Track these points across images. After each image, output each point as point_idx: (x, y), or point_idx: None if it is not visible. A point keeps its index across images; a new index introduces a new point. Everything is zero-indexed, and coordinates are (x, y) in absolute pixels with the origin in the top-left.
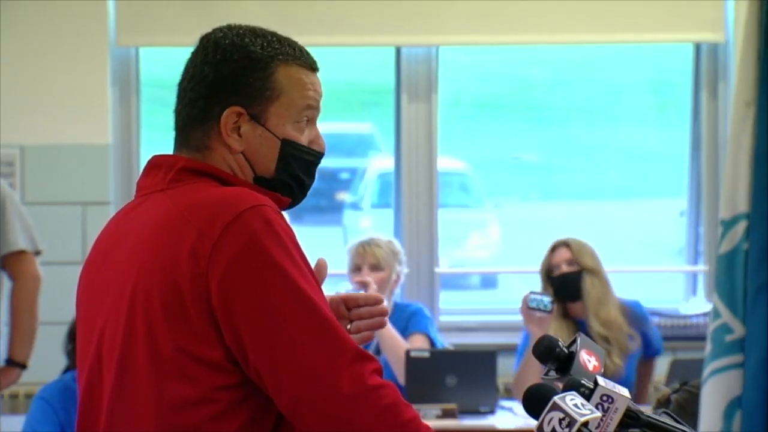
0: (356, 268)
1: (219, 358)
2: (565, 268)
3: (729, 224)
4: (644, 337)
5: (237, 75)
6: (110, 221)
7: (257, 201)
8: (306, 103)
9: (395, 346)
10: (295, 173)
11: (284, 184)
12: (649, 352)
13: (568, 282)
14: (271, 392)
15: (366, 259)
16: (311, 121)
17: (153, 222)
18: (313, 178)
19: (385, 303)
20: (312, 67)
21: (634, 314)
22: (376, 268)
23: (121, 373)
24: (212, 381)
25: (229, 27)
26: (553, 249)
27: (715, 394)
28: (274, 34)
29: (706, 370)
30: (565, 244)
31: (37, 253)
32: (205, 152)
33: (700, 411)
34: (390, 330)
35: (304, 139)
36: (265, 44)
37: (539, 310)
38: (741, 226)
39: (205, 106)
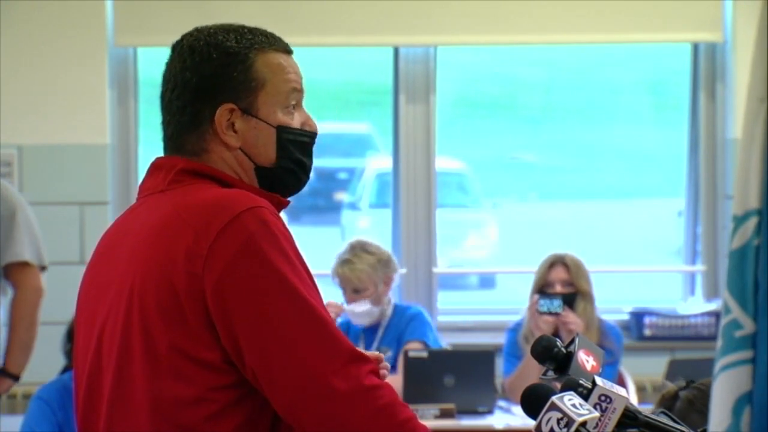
0: (343, 291)
1: (215, 360)
2: (559, 288)
3: (740, 220)
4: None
5: (219, 72)
6: (113, 223)
7: (254, 203)
8: (290, 87)
9: None
10: (296, 157)
11: (287, 170)
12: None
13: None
14: (267, 393)
15: (349, 283)
16: (298, 105)
17: (151, 223)
18: (312, 158)
19: (384, 308)
20: (287, 50)
21: (609, 342)
22: (358, 290)
23: (119, 372)
24: (208, 381)
25: (198, 29)
26: (551, 265)
27: (724, 390)
28: (243, 27)
29: (717, 366)
30: (563, 262)
31: (43, 268)
32: (203, 156)
33: (709, 408)
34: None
35: (296, 123)
36: (238, 37)
37: (549, 313)
38: (752, 222)
39: (194, 111)
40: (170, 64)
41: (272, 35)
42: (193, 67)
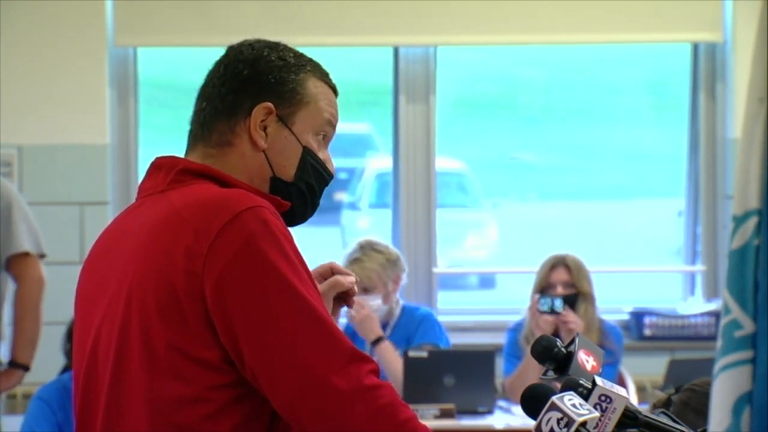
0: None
1: (214, 359)
2: (560, 290)
3: (740, 220)
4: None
5: (272, 72)
6: (111, 223)
7: (255, 202)
8: (328, 119)
9: (393, 368)
10: (311, 183)
11: (299, 192)
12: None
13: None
14: (267, 393)
15: (358, 283)
16: (326, 141)
17: (151, 222)
18: (321, 196)
19: (393, 308)
20: (335, 89)
21: (609, 342)
22: (367, 289)
23: (116, 371)
24: (206, 380)
25: (258, 39)
26: (552, 266)
27: (724, 390)
28: (302, 53)
29: (717, 366)
30: (564, 264)
31: (42, 256)
32: (226, 149)
33: (709, 407)
34: (388, 348)
35: (321, 155)
36: (296, 55)
37: (550, 312)
38: (752, 222)
39: (234, 100)
40: (223, 59)
41: (326, 71)
42: (248, 61)
